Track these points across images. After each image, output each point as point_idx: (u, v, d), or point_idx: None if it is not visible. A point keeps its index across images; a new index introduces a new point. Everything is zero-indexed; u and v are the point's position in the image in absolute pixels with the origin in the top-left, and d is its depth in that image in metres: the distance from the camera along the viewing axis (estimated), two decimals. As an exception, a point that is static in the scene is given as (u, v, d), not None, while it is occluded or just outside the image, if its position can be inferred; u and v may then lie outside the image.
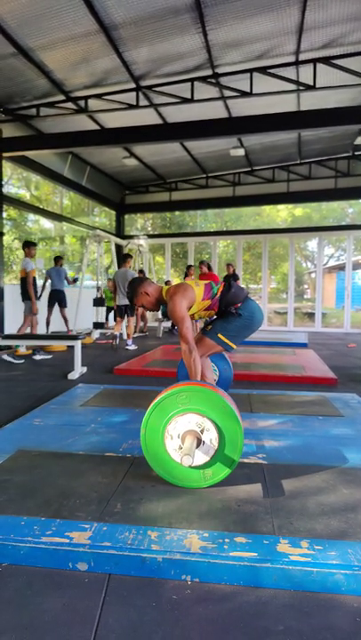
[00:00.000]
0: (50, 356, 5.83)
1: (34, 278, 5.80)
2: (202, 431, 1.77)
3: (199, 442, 1.76)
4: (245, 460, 2.09)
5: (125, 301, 6.80)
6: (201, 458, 1.76)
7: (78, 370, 4.50)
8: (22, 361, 5.42)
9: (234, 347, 2.54)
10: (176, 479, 1.81)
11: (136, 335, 8.95)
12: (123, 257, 7.14)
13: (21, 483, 1.83)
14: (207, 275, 7.48)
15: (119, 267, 7.81)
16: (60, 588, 1.27)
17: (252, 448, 2.27)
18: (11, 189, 8.65)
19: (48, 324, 7.46)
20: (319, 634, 1.11)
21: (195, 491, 1.77)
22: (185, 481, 1.80)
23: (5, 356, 5.42)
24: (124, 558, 1.34)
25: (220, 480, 1.80)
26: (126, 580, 1.30)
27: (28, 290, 5.63)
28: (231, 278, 9.69)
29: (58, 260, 7.50)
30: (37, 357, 5.65)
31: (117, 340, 6.81)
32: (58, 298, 7.42)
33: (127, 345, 6.85)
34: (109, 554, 1.35)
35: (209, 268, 7.74)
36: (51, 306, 7.44)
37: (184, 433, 1.77)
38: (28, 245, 5.75)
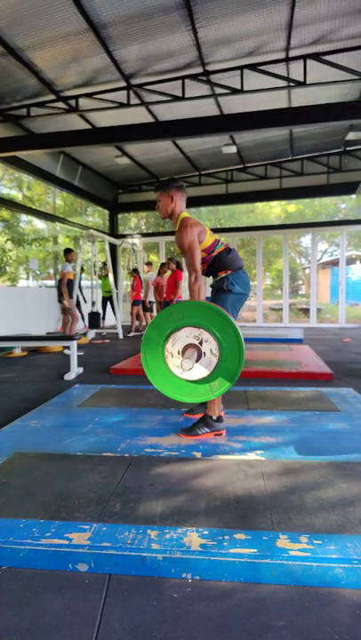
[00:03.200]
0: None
1: (69, 280, 6.69)
2: (200, 343, 1.69)
3: (200, 355, 1.69)
4: (243, 457, 2.09)
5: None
6: (203, 370, 1.69)
7: (74, 370, 4.48)
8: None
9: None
10: (185, 396, 1.77)
11: (132, 334, 8.95)
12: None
13: (19, 485, 1.82)
14: (174, 272, 7.47)
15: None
16: (60, 589, 1.27)
17: (250, 444, 2.27)
18: (2, 190, 8.60)
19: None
20: (320, 628, 1.12)
21: (193, 489, 1.77)
22: (193, 396, 1.76)
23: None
24: (124, 558, 1.34)
25: (226, 390, 1.74)
26: (127, 580, 1.30)
27: (61, 289, 6.38)
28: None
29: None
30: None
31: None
32: None
33: None
34: (109, 554, 1.35)
35: (178, 265, 7.67)
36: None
37: (183, 347, 1.70)
38: (70, 251, 6.64)
